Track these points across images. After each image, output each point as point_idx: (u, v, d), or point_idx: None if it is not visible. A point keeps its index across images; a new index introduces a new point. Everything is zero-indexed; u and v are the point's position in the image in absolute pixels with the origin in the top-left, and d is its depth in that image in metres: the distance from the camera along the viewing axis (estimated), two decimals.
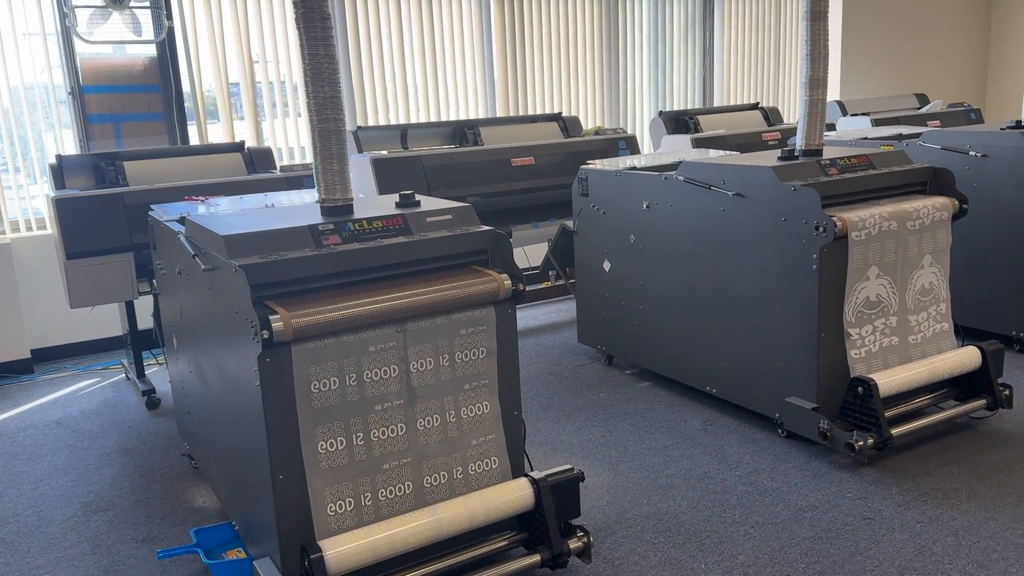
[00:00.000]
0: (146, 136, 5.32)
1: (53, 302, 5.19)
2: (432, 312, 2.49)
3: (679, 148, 5.71)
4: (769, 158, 3.72)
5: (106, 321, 5.34)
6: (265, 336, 2.21)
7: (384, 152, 5.03)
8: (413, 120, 6.28)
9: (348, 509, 2.42)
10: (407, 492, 2.51)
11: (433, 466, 2.55)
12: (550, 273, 5.77)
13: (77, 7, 4.97)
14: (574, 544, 2.63)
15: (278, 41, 5.71)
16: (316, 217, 2.60)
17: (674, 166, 4.12)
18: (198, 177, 4.60)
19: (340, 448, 2.41)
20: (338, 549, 2.32)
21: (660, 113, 6.21)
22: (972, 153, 4.42)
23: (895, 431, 3.30)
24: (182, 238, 2.76)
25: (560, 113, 5.92)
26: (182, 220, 2.99)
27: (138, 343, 4.68)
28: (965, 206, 3.61)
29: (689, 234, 3.86)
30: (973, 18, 9.00)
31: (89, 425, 4.19)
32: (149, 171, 4.54)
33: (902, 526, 2.89)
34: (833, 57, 8.08)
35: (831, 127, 6.30)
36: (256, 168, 4.80)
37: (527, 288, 5.90)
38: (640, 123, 7.41)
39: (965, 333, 4.59)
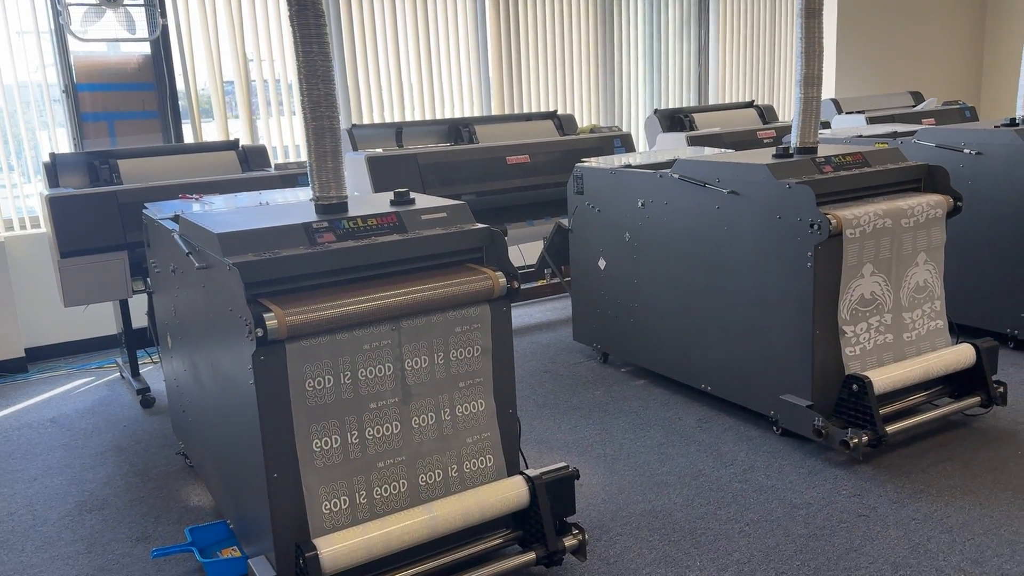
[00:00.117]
0: (140, 134, 5.30)
1: (47, 301, 5.18)
2: (427, 310, 2.49)
3: (674, 146, 5.71)
4: (764, 156, 3.73)
5: (100, 320, 5.33)
6: (259, 334, 2.21)
7: (379, 150, 5.02)
8: (408, 118, 6.27)
9: (343, 507, 2.42)
10: (402, 490, 2.51)
11: (428, 464, 2.55)
12: (545, 271, 5.77)
13: (71, 5, 4.95)
14: (569, 542, 2.63)
15: (272, 39, 5.69)
16: (310, 215, 2.59)
17: (669, 164, 4.12)
18: (192, 175, 4.59)
19: (335, 446, 2.40)
20: (333, 547, 2.32)
21: (655, 111, 6.21)
22: (967, 151, 4.43)
23: (890, 428, 3.30)
24: (176, 236, 2.76)
25: (555, 111, 5.92)
26: (176, 218, 2.99)
27: (132, 342, 4.67)
28: (959, 204, 3.62)
29: (684, 232, 3.87)
30: (968, 16, 9.02)
31: (83, 424, 4.18)
32: (143, 169, 4.53)
33: (897, 523, 2.89)
34: (828, 55, 8.09)
35: (826, 125, 6.30)
36: (250, 166, 4.79)
37: (522, 286, 5.91)
38: (635, 121, 7.41)
39: (959, 330, 4.60)
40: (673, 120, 6.21)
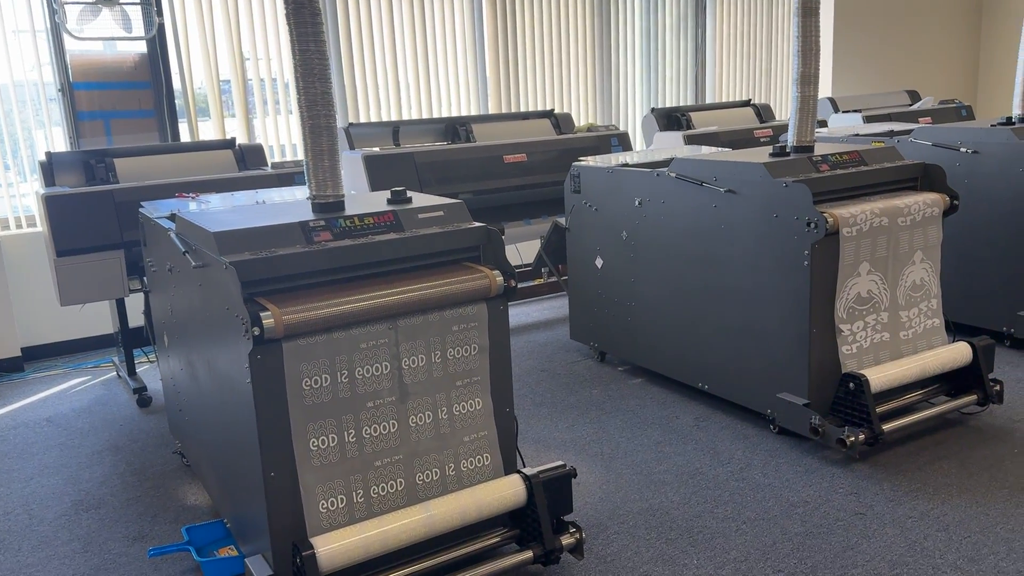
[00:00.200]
0: (136, 133, 5.30)
1: (43, 300, 5.17)
2: (424, 309, 2.48)
3: (671, 145, 5.71)
4: (761, 155, 3.73)
5: (97, 319, 5.33)
6: (256, 333, 2.21)
7: (376, 149, 5.02)
8: (405, 117, 6.27)
9: (340, 506, 2.42)
10: (399, 489, 2.51)
11: (425, 463, 2.55)
12: (542, 270, 5.77)
13: (67, 3, 4.94)
14: (566, 540, 2.63)
15: (269, 38, 5.69)
16: (307, 214, 2.59)
17: (666, 163, 4.12)
18: (189, 174, 4.59)
19: (332, 445, 2.40)
20: (330, 546, 2.32)
21: (652, 110, 6.21)
22: (963, 149, 4.44)
23: (886, 427, 3.31)
24: (173, 235, 2.75)
25: (552, 110, 5.92)
26: (173, 217, 2.98)
27: (129, 341, 4.66)
28: (956, 202, 3.62)
29: (681, 231, 3.87)
30: (964, 15, 9.03)
31: (80, 423, 4.18)
32: (139, 168, 4.52)
33: (893, 521, 2.90)
34: (824, 54, 8.10)
35: (823, 124, 6.31)
36: (247, 165, 4.79)
37: (519, 285, 5.91)
38: (632, 120, 7.41)
39: (956, 329, 4.60)
40: (670, 119, 6.22)
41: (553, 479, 2.64)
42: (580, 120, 7.06)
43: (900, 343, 3.55)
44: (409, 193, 2.81)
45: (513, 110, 6.70)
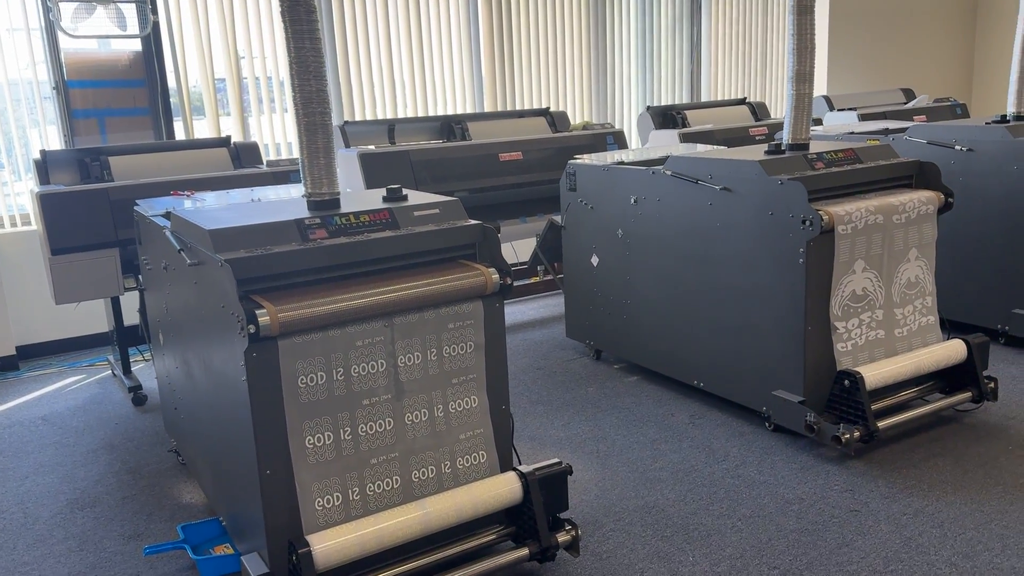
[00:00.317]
0: (131, 131, 5.29)
1: (38, 298, 5.16)
2: (419, 306, 2.48)
3: (667, 143, 5.71)
4: (756, 152, 3.73)
5: (92, 317, 5.32)
6: (251, 331, 2.20)
7: (371, 147, 5.01)
8: (400, 115, 6.27)
9: (336, 504, 2.42)
10: (395, 486, 2.51)
11: (421, 460, 2.55)
12: (538, 268, 5.78)
13: (61, 1, 4.93)
14: (562, 537, 2.63)
15: (264, 37, 5.68)
16: (303, 211, 2.59)
17: (661, 161, 4.13)
18: (184, 172, 4.58)
19: (328, 443, 2.40)
20: (326, 544, 2.32)
21: (648, 108, 6.22)
22: (958, 147, 4.45)
23: (881, 424, 3.31)
24: (168, 233, 2.75)
25: (548, 108, 5.92)
26: (168, 215, 2.97)
27: (124, 339, 4.66)
28: (951, 200, 3.63)
29: (676, 228, 3.87)
30: (959, 13, 9.04)
31: (75, 422, 4.17)
32: (134, 166, 4.51)
33: (888, 518, 2.91)
34: (820, 52, 8.11)
35: (818, 122, 6.32)
36: (242, 163, 4.78)
37: (515, 283, 5.91)
38: (628, 118, 7.42)
39: (950, 326, 4.61)
40: (665, 117, 6.22)
41: (549, 476, 2.64)
42: (576, 118, 7.06)
43: (895, 340, 3.56)
44: (405, 191, 2.81)
45: (509, 108, 6.70)
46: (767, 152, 3.66)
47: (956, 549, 2.71)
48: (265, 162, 4.82)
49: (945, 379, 3.66)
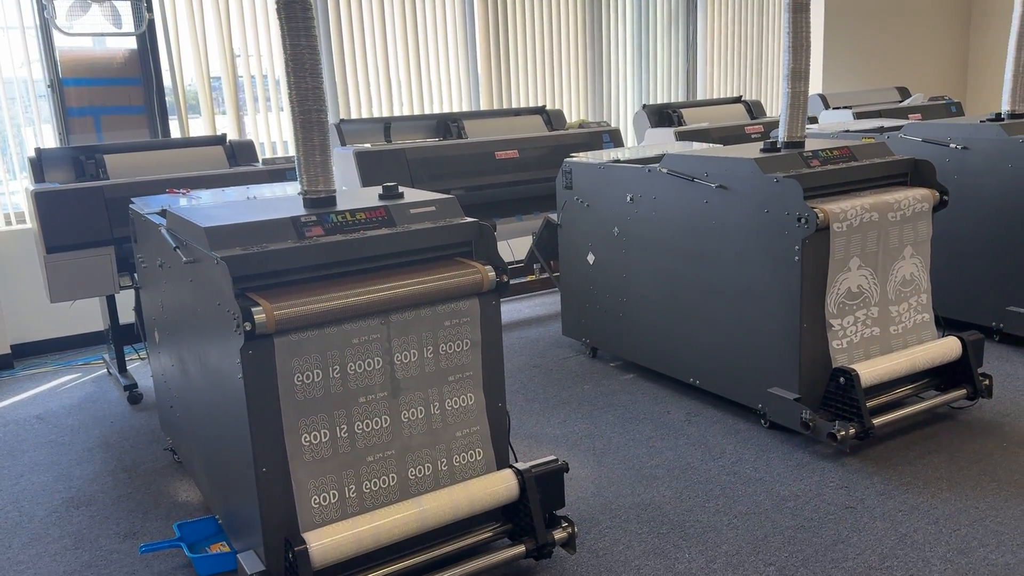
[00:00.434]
0: (127, 129, 5.27)
1: (33, 297, 5.15)
2: (416, 304, 2.48)
3: (662, 141, 5.72)
4: (752, 150, 3.74)
5: (87, 316, 5.31)
6: (247, 328, 2.20)
7: (367, 145, 5.01)
8: (396, 113, 6.26)
9: (332, 501, 2.42)
10: (391, 484, 2.51)
11: (417, 458, 2.55)
12: (534, 266, 5.77)
13: None
14: (559, 535, 2.64)
15: (260, 35, 5.67)
16: (299, 209, 2.58)
17: (657, 159, 4.13)
18: (179, 170, 4.57)
19: (324, 440, 2.40)
20: (322, 541, 2.32)
21: (644, 106, 6.22)
22: (953, 145, 4.46)
23: (876, 421, 3.32)
24: (163, 231, 2.74)
25: (544, 106, 5.92)
26: (163, 213, 2.97)
27: (119, 338, 4.65)
28: (946, 198, 3.64)
29: (672, 226, 3.87)
30: (954, 12, 9.06)
31: (70, 420, 4.16)
32: (130, 164, 4.51)
33: (883, 515, 2.91)
34: (815, 50, 8.12)
35: (813, 120, 6.33)
36: (238, 161, 4.77)
37: (512, 281, 5.91)
38: (624, 116, 7.42)
39: (945, 324, 4.63)
40: (661, 115, 6.22)
41: (545, 474, 2.64)
42: (572, 116, 7.06)
43: (890, 338, 3.57)
44: (401, 189, 2.81)
45: (505, 106, 6.70)
46: (763, 150, 3.66)
47: (951, 545, 2.72)
48: (261, 160, 4.81)
49: (940, 376, 3.67)
